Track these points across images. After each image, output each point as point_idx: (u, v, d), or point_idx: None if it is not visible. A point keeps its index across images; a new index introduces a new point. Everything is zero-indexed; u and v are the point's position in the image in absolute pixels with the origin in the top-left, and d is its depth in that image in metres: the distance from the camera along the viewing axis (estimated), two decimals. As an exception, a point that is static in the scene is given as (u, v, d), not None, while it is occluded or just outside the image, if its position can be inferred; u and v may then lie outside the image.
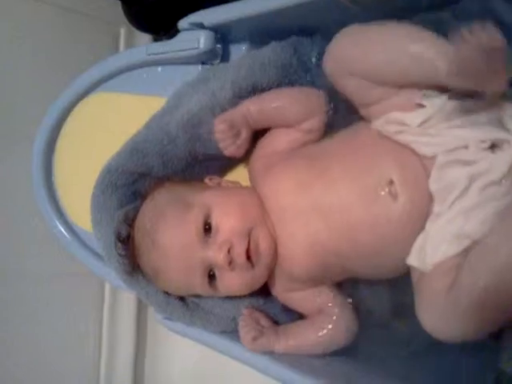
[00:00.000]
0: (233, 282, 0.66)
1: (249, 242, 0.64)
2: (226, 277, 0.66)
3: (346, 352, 0.70)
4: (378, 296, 0.69)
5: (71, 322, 1.13)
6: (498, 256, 0.52)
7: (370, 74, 0.60)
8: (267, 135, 0.73)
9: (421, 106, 0.59)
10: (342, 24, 0.71)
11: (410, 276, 0.62)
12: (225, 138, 0.70)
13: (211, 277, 0.67)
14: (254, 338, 0.68)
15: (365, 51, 0.60)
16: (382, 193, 0.60)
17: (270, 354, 0.69)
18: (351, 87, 0.63)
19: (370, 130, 0.64)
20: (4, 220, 1.01)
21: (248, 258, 0.64)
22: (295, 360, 0.70)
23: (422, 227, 0.59)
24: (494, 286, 0.52)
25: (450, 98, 0.57)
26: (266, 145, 0.73)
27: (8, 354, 1.04)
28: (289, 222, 0.65)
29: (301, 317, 0.73)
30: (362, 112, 0.66)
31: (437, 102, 0.58)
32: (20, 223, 1.02)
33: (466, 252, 0.56)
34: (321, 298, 0.69)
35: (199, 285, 0.68)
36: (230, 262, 0.63)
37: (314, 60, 0.72)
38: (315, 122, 0.69)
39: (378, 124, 0.63)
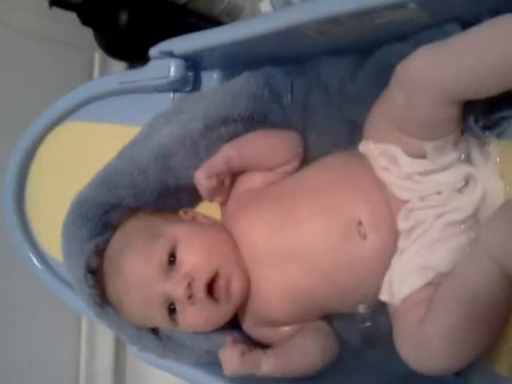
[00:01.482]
0: (193, 317, 0.65)
1: (215, 279, 0.63)
2: (186, 312, 0.64)
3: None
4: (352, 327, 0.69)
5: (48, 350, 1.11)
6: (466, 288, 0.53)
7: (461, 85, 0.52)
8: (241, 174, 0.73)
9: (423, 156, 0.58)
10: (312, 53, 0.72)
11: (383, 307, 0.63)
12: (211, 191, 0.70)
13: (172, 310, 0.65)
14: (242, 353, 0.63)
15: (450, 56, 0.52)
16: (352, 233, 0.60)
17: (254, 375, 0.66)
18: (435, 116, 0.54)
19: (344, 164, 0.64)
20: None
21: (210, 293, 0.63)
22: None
23: (390, 264, 0.60)
24: (465, 318, 0.52)
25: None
26: (239, 184, 0.72)
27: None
28: (263, 266, 0.65)
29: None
30: (371, 131, 0.63)
31: (441, 160, 0.57)
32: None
33: (432, 284, 0.56)
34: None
35: (159, 318, 0.66)
36: (190, 296, 0.62)
37: (286, 91, 0.72)
38: (291, 167, 0.70)
39: (372, 148, 0.62)
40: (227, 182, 0.71)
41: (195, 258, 0.64)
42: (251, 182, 0.72)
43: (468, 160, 0.59)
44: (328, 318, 0.69)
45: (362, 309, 0.65)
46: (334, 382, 0.69)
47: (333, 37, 0.65)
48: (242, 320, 0.71)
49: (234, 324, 0.71)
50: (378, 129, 0.62)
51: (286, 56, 0.73)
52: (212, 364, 0.72)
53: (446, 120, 0.55)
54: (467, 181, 0.58)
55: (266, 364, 0.64)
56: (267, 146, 0.70)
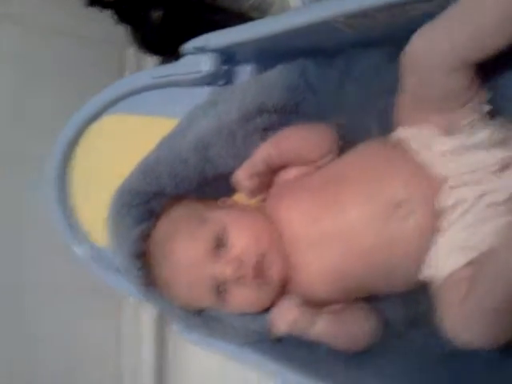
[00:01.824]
0: (241, 298, 0.68)
1: (260, 263, 0.66)
2: (234, 293, 0.68)
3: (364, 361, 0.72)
4: (395, 306, 0.71)
5: (90, 335, 1.16)
6: (507, 267, 0.54)
7: (478, 44, 0.56)
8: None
9: (457, 132, 0.60)
10: (344, 45, 0.74)
11: (424, 287, 0.65)
12: (252, 191, 0.73)
13: (219, 292, 0.69)
14: (301, 305, 0.67)
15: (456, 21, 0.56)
16: (393, 214, 0.62)
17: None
18: (449, 86, 0.59)
19: (377, 150, 0.66)
20: (26, 236, 1.04)
21: (257, 276, 0.66)
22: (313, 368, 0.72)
23: (432, 243, 0.62)
24: (505, 297, 0.54)
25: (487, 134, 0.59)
26: (275, 176, 0.75)
27: (25, 370, 1.07)
28: (303, 252, 0.67)
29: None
30: (405, 115, 0.65)
31: (474, 137, 0.60)
32: (41, 240, 1.05)
33: (473, 263, 0.58)
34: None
35: (207, 299, 0.70)
36: (239, 278, 0.66)
37: (319, 82, 0.75)
38: (327, 160, 0.72)
39: (403, 135, 0.64)
40: (267, 179, 0.74)
41: (244, 241, 0.67)
42: (286, 174, 0.75)
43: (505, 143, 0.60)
44: (370, 297, 0.72)
45: (402, 288, 0.67)
46: (374, 362, 0.71)
47: (362, 30, 0.67)
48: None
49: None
50: (405, 116, 0.65)
51: (317, 48, 0.76)
52: (258, 342, 0.76)
53: (461, 85, 0.58)
54: (507, 164, 0.59)
55: (322, 321, 0.67)
56: (304, 142, 0.73)
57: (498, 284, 0.54)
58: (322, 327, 0.67)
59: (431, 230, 0.61)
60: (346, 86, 0.74)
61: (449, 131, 0.61)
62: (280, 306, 0.68)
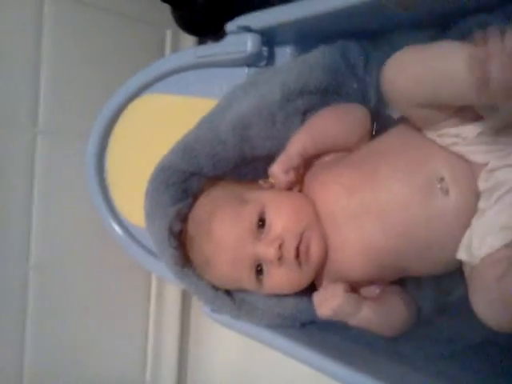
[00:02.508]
0: (280, 278, 0.68)
1: (300, 242, 0.66)
2: (273, 273, 0.68)
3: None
4: (425, 293, 0.71)
5: (119, 311, 1.18)
6: None
7: (428, 102, 0.58)
8: None
9: (479, 117, 0.59)
10: (389, 28, 0.73)
11: (456, 274, 0.64)
12: (289, 184, 0.72)
13: (258, 272, 0.69)
14: (346, 290, 0.67)
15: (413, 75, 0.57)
16: (434, 189, 0.61)
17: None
18: (415, 114, 0.62)
19: (416, 131, 0.65)
20: (60, 213, 1.06)
21: (297, 256, 0.66)
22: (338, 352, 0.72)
23: (470, 223, 0.61)
24: None
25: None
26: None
27: (56, 343, 1.09)
28: (341, 228, 0.67)
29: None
30: (417, 124, 0.65)
31: (494, 116, 0.58)
32: (75, 216, 1.07)
33: None
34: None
35: (246, 278, 0.70)
36: (280, 258, 0.66)
37: (361, 64, 0.74)
38: (361, 143, 0.71)
39: (429, 135, 0.63)
40: (302, 170, 0.73)
41: (285, 221, 0.67)
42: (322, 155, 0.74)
43: None
44: (403, 283, 0.71)
45: (438, 270, 0.66)
46: (406, 348, 0.71)
47: (414, 10, 0.66)
48: (319, 285, 0.73)
49: (306, 289, 0.73)
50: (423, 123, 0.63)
51: (360, 31, 0.75)
52: (282, 326, 0.76)
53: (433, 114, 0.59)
54: None
55: (367, 308, 0.67)
56: (339, 129, 0.72)
57: None
58: (366, 314, 0.67)
59: (471, 209, 0.60)
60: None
61: (470, 119, 0.59)
62: (325, 290, 0.68)
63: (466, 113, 0.59)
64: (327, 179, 0.70)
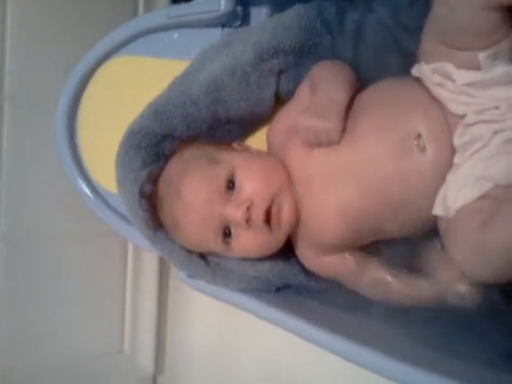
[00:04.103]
0: (247, 241, 0.68)
1: (270, 206, 0.65)
2: (241, 236, 0.67)
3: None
4: (399, 257, 0.70)
5: (95, 281, 1.17)
6: None
7: None
8: (284, 108, 0.74)
9: (477, 68, 0.58)
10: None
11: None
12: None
13: (227, 234, 0.68)
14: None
15: None
16: (411, 146, 0.61)
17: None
18: (477, 23, 0.56)
19: (395, 87, 0.64)
20: (29, 181, 1.04)
21: (267, 221, 0.65)
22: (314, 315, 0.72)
23: (447, 177, 0.60)
24: None
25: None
26: (283, 119, 0.73)
27: (30, 315, 1.08)
28: (318, 190, 0.66)
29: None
30: (427, 48, 0.62)
31: (496, 71, 0.57)
32: (45, 185, 1.05)
33: (488, 197, 0.56)
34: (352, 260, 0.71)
35: (213, 240, 0.69)
36: (247, 220, 0.65)
37: (337, 23, 0.72)
38: None
39: (424, 68, 0.62)
40: None
41: (254, 184, 0.66)
42: (294, 114, 0.71)
43: None
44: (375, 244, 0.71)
45: (415, 229, 0.65)
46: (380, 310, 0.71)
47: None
48: (296, 247, 0.73)
49: (281, 252, 0.73)
50: (429, 50, 0.62)
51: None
52: (258, 290, 0.76)
53: (490, 26, 0.56)
54: None
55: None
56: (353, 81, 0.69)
57: None
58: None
59: (447, 166, 0.60)
60: (365, 27, 0.71)
61: (471, 67, 0.58)
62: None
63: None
64: (303, 142, 0.68)
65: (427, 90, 0.62)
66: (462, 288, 0.60)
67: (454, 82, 0.59)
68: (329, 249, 0.70)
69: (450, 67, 0.59)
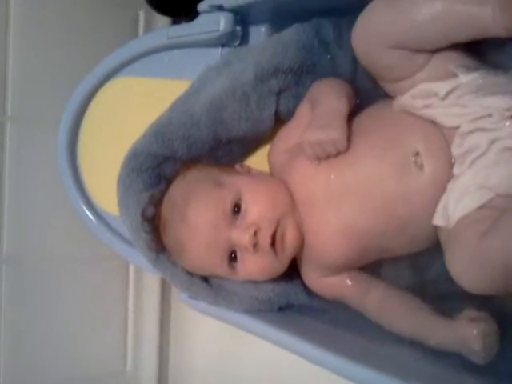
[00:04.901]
0: (253, 266, 0.67)
1: (276, 230, 0.65)
2: (247, 260, 0.67)
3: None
4: (401, 273, 0.70)
5: (97, 302, 1.17)
6: None
7: (409, 38, 0.59)
8: (284, 128, 0.74)
9: (453, 75, 0.59)
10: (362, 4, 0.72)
11: (432, 251, 0.64)
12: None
13: (232, 259, 0.68)
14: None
15: (402, 11, 0.58)
16: (409, 164, 0.61)
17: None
18: (386, 60, 0.61)
19: (391, 107, 0.64)
20: (32, 203, 1.03)
21: (272, 244, 0.65)
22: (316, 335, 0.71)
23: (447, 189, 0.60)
24: None
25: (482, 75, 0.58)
26: (284, 138, 0.73)
27: (33, 336, 1.07)
28: (319, 210, 0.66)
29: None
30: (388, 88, 0.65)
31: (469, 75, 0.58)
32: (47, 207, 1.05)
33: (489, 207, 0.56)
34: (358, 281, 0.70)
35: (219, 264, 0.69)
36: (255, 245, 0.64)
37: (336, 42, 0.73)
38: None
39: (403, 100, 0.63)
40: None
41: (260, 207, 0.66)
42: (295, 134, 0.72)
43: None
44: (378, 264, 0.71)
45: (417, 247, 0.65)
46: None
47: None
48: (300, 269, 0.73)
49: (284, 275, 0.72)
50: (395, 84, 0.64)
51: (334, 8, 0.73)
52: (260, 311, 0.75)
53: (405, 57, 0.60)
54: None
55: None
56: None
57: None
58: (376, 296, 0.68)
59: (446, 180, 0.60)
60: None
61: (443, 77, 0.60)
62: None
63: (438, 65, 0.60)
64: (305, 162, 0.68)
65: (416, 114, 0.62)
66: (476, 346, 0.59)
67: (438, 95, 0.60)
68: (333, 269, 0.70)
69: (425, 85, 0.60)
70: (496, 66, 0.62)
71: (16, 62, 0.99)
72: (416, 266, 0.69)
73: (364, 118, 0.68)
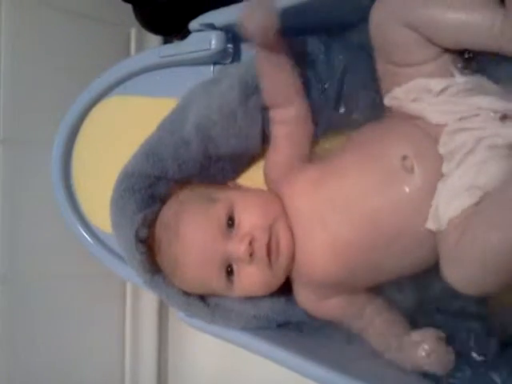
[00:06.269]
0: (250, 277, 0.67)
1: (270, 239, 0.65)
2: (244, 272, 0.67)
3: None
4: (404, 295, 0.70)
5: (94, 320, 1.16)
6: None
7: (426, 27, 0.59)
8: (273, 144, 0.74)
9: (451, 74, 0.60)
10: (350, 22, 0.72)
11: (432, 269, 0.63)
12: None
13: (229, 273, 0.68)
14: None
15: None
16: (397, 170, 0.60)
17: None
18: (400, 38, 0.60)
19: (374, 125, 0.66)
20: (26, 223, 1.03)
21: (268, 253, 0.65)
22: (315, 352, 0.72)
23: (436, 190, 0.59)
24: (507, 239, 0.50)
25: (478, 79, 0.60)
26: (276, 153, 0.73)
27: (31, 354, 1.06)
28: (307, 224, 0.66)
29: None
30: (388, 75, 0.65)
31: (465, 77, 0.59)
32: (42, 226, 1.04)
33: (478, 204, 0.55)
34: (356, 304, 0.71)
35: (215, 279, 0.68)
36: (251, 254, 0.64)
37: (321, 59, 0.73)
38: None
39: (396, 92, 0.63)
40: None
41: (252, 216, 0.66)
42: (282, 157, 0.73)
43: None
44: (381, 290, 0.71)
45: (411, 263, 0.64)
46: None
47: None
48: (294, 291, 0.73)
49: (280, 290, 0.72)
50: (380, 72, 0.66)
51: (323, 26, 0.74)
52: (258, 328, 0.75)
53: (414, 42, 0.60)
54: (509, 115, 0.57)
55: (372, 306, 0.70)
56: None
57: (500, 226, 0.50)
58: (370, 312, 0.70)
59: (436, 178, 0.59)
60: (351, 64, 0.72)
61: (440, 75, 0.60)
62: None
63: (444, 65, 0.60)
64: (294, 177, 0.69)
65: (405, 119, 0.63)
66: (427, 366, 0.64)
67: (430, 90, 0.60)
68: (327, 290, 0.70)
69: (423, 80, 0.61)
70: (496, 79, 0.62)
71: (6, 83, 0.98)
72: (418, 285, 0.68)
73: (351, 138, 0.69)
